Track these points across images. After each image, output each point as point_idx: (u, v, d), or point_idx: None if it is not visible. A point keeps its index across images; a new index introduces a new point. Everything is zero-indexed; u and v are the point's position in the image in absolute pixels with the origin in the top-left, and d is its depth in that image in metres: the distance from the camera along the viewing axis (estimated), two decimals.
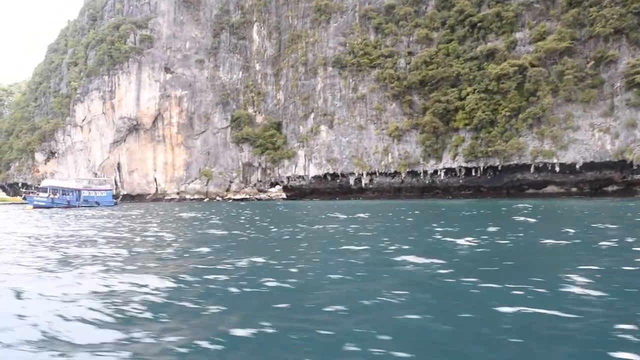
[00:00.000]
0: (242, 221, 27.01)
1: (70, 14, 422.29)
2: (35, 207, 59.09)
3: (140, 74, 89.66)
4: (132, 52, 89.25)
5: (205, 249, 13.21)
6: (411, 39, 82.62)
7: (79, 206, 61.83)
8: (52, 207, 59.41)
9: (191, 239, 16.98)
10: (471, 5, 78.64)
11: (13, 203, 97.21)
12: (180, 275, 9.04)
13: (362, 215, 30.35)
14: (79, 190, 65.42)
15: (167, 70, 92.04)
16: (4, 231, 21.94)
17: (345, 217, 28.51)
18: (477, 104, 71.29)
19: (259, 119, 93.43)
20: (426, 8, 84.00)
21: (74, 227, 24.02)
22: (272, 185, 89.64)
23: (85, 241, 15.91)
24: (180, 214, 36.13)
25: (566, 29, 68.33)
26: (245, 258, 10.87)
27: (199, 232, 20.27)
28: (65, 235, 19.12)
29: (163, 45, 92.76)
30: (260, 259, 10.66)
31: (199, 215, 34.87)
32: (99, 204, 64.49)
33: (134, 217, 33.52)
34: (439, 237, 15.48)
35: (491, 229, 17.97)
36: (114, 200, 69.81)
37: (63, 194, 63.74)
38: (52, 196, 62.36)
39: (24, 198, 66.52)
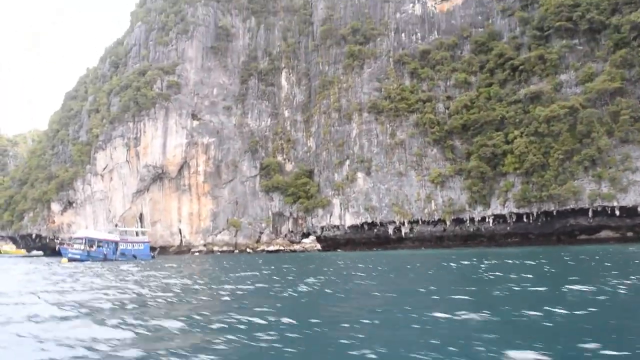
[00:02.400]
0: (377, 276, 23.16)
1: (70, 13, 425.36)
2: (70, 260, 54.02)
3: (167, 120, 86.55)
4: (159, 98, 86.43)
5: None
6: (448, 83, 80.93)
7: (115, 259, 56.81)
8: (88, 261, 54.49)
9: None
10: (510, 48, 77.37)
11: (18, 256, 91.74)
12: None
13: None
14: (116, 242, 60.37)
15: (194, 117, 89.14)
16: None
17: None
18: (527, 147, 68.54)
19: (289, 166, 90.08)
20: (461, 52, 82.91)
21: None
22: (304, 235, 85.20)
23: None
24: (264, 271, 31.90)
25: (615, 70, 66.67)
26: None
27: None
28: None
29: (190, 91, 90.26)
30: None
31: (286, 270, 30.79)
32: (136, 258, 59.49)
33: (225, 274, 29.41)
34: None
35: None
36: (152, 254, 64.73)
37: (99, 246, 58.77)
38: (88, 248, 57.37)
39: (58, 250, 61.39)
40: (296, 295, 15.22)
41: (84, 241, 57.96)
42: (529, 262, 26.15)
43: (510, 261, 28.58)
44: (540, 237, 73.07)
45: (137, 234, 69.10)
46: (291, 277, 23.12)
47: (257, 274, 24.84)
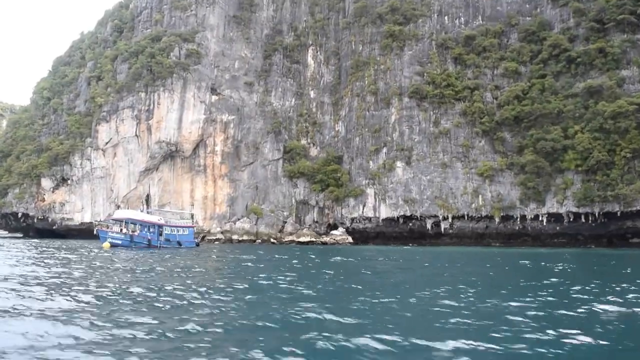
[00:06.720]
0: None
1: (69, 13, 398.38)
2: (112, 245, 45.02)
3: (184, 93, 77.36)
4: (176, 67, 77.18)
5: None
6: (496, 72, 75.96)
7: (160, 247, 48.11)
8: (130, 247, 45.79)
9: None
10: (565, 39, 72.88)
11: None
12: None
13: None
14: (161, 226, 51.21)
15: (213, 91, 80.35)
16: None
17: None
18: (590, 144, 64.21)
19: (314, 151, 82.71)
20: (508, 41, 78.12)
21: None
22: (330, 227, 78.28)
23: None
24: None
25: None
26: None
27: None
28: None
29: (210, 62, 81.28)
30: None
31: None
32: (180, 245, 50.75)
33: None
34: None
35: None
36: (196, 240, 56.01)
37: (142, 230, 49.65)
38: (130, 232, 48.25)
39: (97, 233, 51.86)
40: None
41: (125, 223, 48.98)
42: None
43: None
44: (590, 239, 68.99)
45: (180, 216, 60.70)
46: None
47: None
